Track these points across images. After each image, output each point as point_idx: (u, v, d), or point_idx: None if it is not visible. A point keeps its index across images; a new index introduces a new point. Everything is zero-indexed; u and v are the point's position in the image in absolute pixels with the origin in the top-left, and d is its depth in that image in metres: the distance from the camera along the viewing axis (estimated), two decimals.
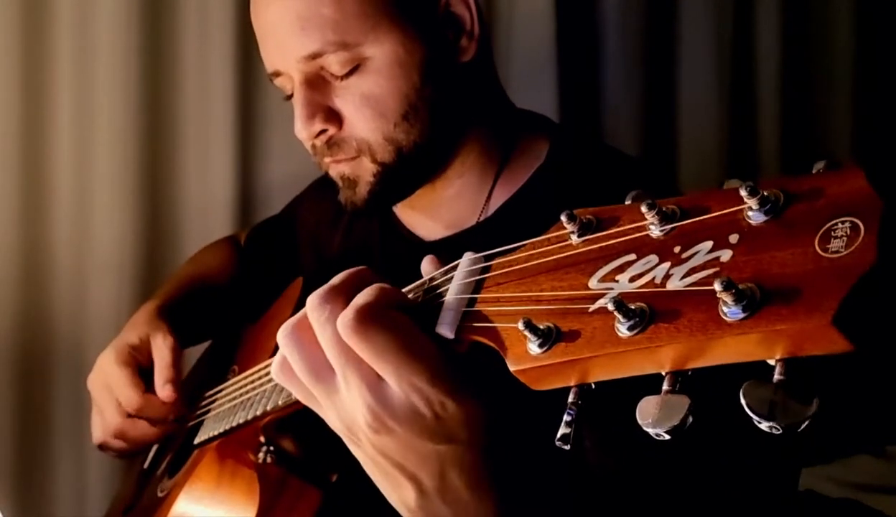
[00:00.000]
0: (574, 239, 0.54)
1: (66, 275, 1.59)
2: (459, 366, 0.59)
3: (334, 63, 0.97)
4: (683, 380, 0.47)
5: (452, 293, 0.60)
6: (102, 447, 1.20)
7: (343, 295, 0.60)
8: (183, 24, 1.62)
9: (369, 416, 0.58)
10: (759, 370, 0.44)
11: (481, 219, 1.06)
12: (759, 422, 0.42)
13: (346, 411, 0.60)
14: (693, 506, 0.81)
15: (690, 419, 0.46)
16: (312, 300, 0.60)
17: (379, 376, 0.58)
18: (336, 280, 0.62)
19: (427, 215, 1.11)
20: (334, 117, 1.00)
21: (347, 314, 0.56)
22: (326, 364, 0.60)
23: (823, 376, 0.43)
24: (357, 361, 0.57)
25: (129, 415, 1.15)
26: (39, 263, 1.57)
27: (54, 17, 1.55)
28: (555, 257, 0.55)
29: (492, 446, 0.60)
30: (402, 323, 0.58)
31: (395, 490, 0.62)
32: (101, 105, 1.57)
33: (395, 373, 0.56)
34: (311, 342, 0.60)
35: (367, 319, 0.56)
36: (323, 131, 1.01)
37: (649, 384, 0.48)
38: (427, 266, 0.67)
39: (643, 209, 0.50)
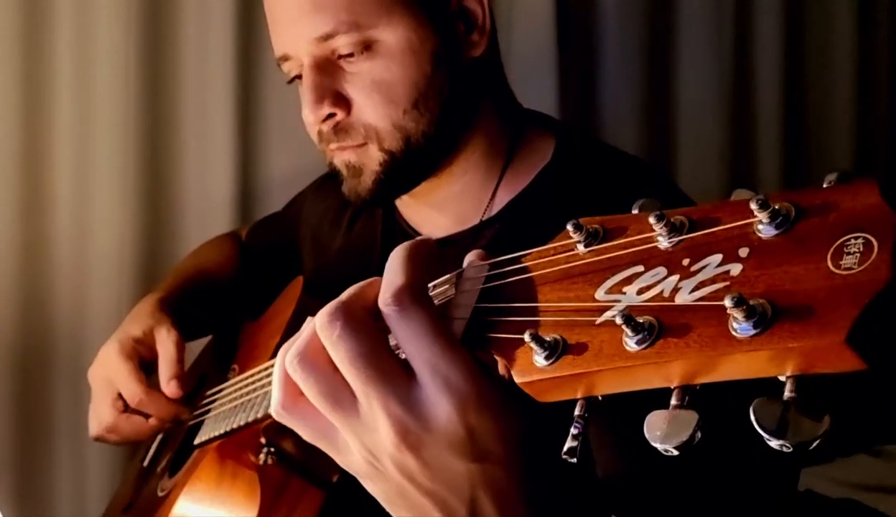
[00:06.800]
0: (580, 248, 0.53)
1: (67, 272, 1.59)
2: (494, 378, 0.55)
3: (346, 44, 0.97)
4: (692, 395, 0.46)
5: (456, 302, 0.59)
6: (98, 438, 1.20)
7: (351, 309, 0.56)
8: (183, 24, 1.62)
9: (396, 431, 0.53)
10: (768, 385, 0.43)
11: (485, 217, 1.06)
12: (769, 440, 0.42)
13: (368, 434, 0.55)
14: (693, 506, 0.81)
15: (699, 435, 0.45)
16: (322, 318, 0.55)
17: (405, 382, 0.53)
18: (345, 295, 0.58)
19: (431, 212, 1.10)
20: (343, 102, 1.00)
21: (386, 293, 0.53)
22: (343, 385, 0.55)
23: (833, 388, 0.42)
24: (379, 376, 0.53)
25: (124, 410, 1.15)
26: (39, 261, 1.58)
27: (54, 17, 1.55)
28: (561, 267, 0.54)
29: (527, 465, 0.56)
30: (435, 307, 0.55)
31: None
32: (101, 105, 1.57)
33: (431, 359, 0.52)
34: (326, 363, 0.55)
35: (407, 298, 0.53)
36: (331, 115, 1.00)
37: (657, 393, 0.48)
38: (471, 259, 0.62)
39: (651, 220, 0.49)
